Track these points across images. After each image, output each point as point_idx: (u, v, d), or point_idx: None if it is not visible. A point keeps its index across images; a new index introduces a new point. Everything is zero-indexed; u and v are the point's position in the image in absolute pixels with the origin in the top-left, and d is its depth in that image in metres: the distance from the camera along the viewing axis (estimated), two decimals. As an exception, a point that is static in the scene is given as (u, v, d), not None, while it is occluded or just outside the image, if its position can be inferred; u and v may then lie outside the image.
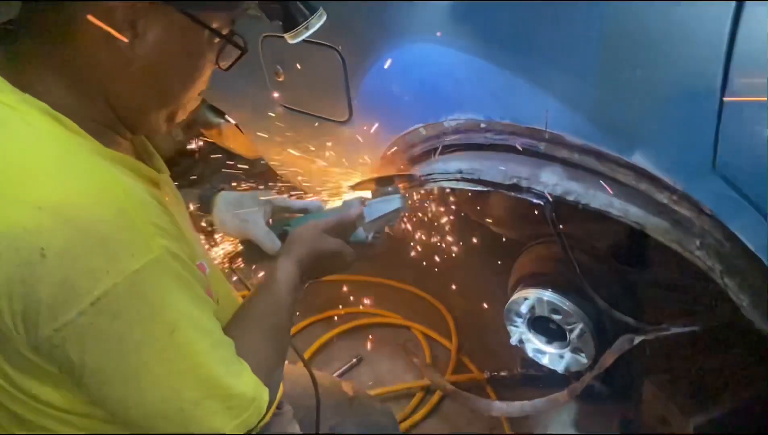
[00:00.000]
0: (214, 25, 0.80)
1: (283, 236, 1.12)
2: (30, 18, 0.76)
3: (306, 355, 2.14)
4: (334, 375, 2.04)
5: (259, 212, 1.12)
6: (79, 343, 0.69)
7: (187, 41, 0.79)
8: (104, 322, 0.68)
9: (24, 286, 0.66)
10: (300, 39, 1.03)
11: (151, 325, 0.72)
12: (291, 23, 1.01)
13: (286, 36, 1.03)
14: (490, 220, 1.69)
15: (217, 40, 0.83)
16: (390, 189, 1.18)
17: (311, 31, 1.03)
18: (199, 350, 0.76)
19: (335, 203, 1.22)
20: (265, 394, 0.83)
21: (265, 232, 1.10)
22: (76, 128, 0.75)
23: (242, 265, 1.20)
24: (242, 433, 0.79)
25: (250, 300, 0.97)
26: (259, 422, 0.82)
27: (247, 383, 0.81)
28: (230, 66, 0.88)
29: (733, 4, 0.84)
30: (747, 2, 0.84)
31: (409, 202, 1.19)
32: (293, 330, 2.23)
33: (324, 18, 1.03)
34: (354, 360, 2.14)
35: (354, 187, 1.22)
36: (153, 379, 0.73)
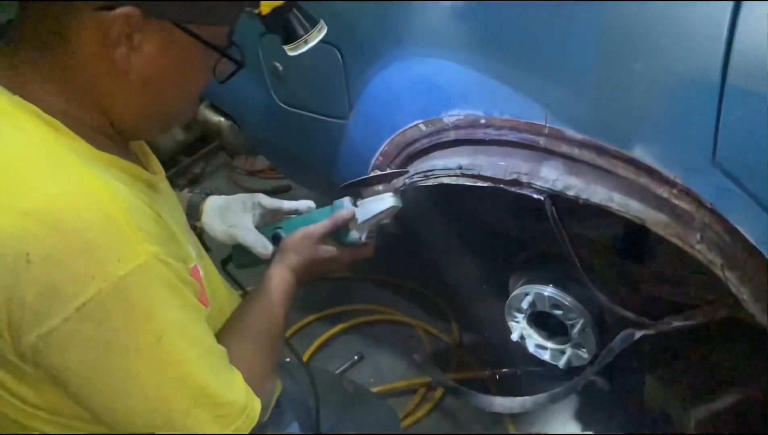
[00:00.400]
0: (211, 38, 0.79)
1: (274, 238, 1.12)
2: (25, 22, 0.75)
3: (307, 353, 2.14)
4: (336, 372, 2.04)
5: (247, 216, 1.12)
6: (65, 350, 0.68)
7: (183, 55, 0.78)
8: (90, 328, 0.67)
9: (9, 292, 0.65)
10: (299, 52, 1.03)
11: (137, 331, 0.70)
12: (291, 36, 1.01)
13: (285, 48, 1.03)
14: (490, 216, 1.69)
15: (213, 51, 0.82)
16: (381, 187, 1.17)
17: (311, 45, 1.02)
18: (188, 358, 0.75)
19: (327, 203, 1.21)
20: (257, 403, 0.83)
21: (255, 235, 1.10)
22: (67, 131, 0.74)
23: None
24: None
25: (244, 307, 0.97)
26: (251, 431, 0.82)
27: (238, 392, 0.80)
28: (226, 79, 0.87)
29: (732, -2, 0.84)
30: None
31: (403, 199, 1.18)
32: (294, 328, 2.23)
33: (324, 32, 1.03)
34: (355, 357, 2.14)
35: (345, 187, 1.21)
36: (141, 388, 0.72)
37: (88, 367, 0.70)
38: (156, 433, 0.74)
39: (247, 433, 0.80)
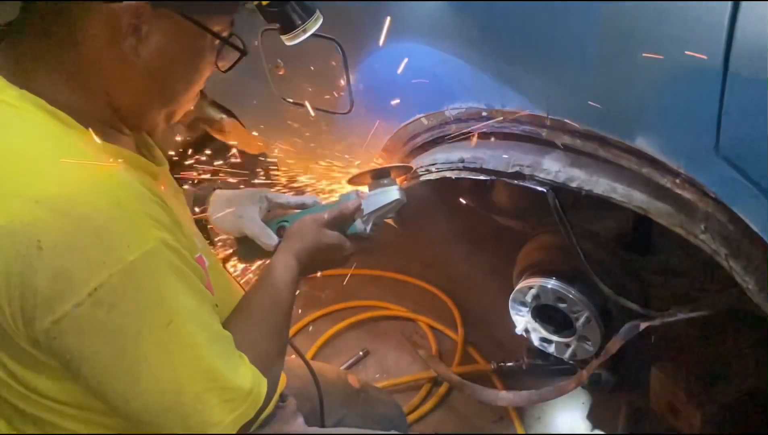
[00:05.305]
0: (215, 28, 0.82)
1: (279, 231, 1.12)
2: (31, 19, 0.77)
3: (312, 349, 2.14)
4: (341, 368, 2.04)
5: (254, 208, 1.13)
6: (78, 335, 0.70)
7: (189, 45, 0.81)
8: (101, 313, 0.69)
9: (22, 279, 0.67)
10: (297, 42, 1.04)
11: (148, 315, 0.72)
12: (288, 26, 1.02)
13: (283, 38, 1.04)
14: (494, 210, 1.69)
15: (217, 42, 0.84)
16: (386, 181, 1.18)
17: (308, 35, 1.03)
18: (197, 342, 0.76)
19: (333, 198, 1.22)
20: (263, 386, 0.84)
21: (261, 227, 1.11)
22: (73, 123, 0.75)
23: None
24: (241, 425, 0.80)
25: (250, 294, 0.98)
26: (258, 414, 0.83)
27: (244, 376, 0.81)
28: (229, 68, 0.90)
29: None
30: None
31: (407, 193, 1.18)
32: (300, 325, 2.24)
33: (321, 21, 1.04)
34: (360, 353, 2.14)
35: (351, 180, 1.22)
36: (152, 372, 0.73)
37: (99, 350, 0.71)
38: (166, 416, 0.76)
39: (252, 416, 0.82)
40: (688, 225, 1.04)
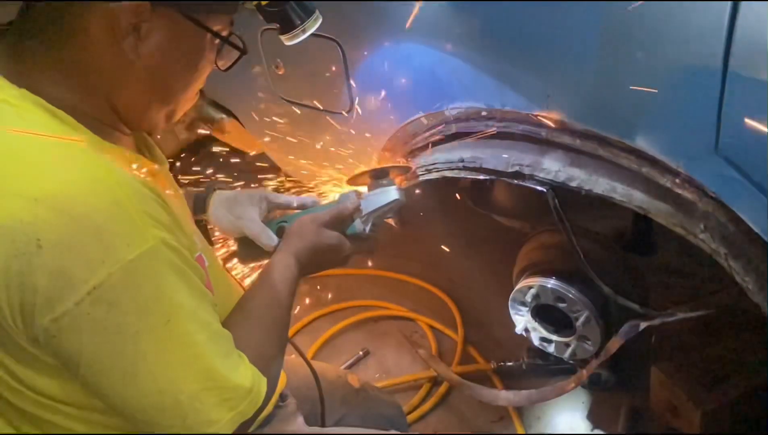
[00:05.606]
0: (215, 27, 0.82)
1: (279, 232, 1.13)
2: (31, 18, 0.77)
3: (313, 349, 2.14)
4: (341, 368, 2.04)
5: (254, 209, 1.13)
6: (77, 333, 0.70)
7: (188, 43, 0.81)
8: (101, 311, 0.69)
9: (21, 277, 0.67)
10: (296, 41, 1.04)
11: (146, 314, 0.72)
12: (287, 26, 1.02)
13: (283, 38, 1.04)
14: (494, 210, 1.69)
15: (217, 41, 0.85)
16: (385, 181, 1.18)
17: (308, 34, 1.04)
18: (196, 341, 0.76)
19: (332, 197, 1.22)
20: (263, 385, 0.84)
21: (261, 228, 1.11)
22: (73, 122, 0.76)
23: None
24: (239, 423, 0.80)
25: (249, 293, 0.98)
26: (257, 413, 0.83)
27: (244, 375, 0.82)
28: (229, 67, 0.91)
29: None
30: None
31: (406, 193, 1.18)
32: (300, 325, 2.24)
33: (320, 21, 1.05)
34: (360, 353, 2.14)
35: (350, 180, 1.22)
36: (150, 370, 0.74)
37: (98, 349, 0.71)
38: (164, 415, 0.76)
39: (251, 415, 0.82)
40: (687, 224, 1.04)
